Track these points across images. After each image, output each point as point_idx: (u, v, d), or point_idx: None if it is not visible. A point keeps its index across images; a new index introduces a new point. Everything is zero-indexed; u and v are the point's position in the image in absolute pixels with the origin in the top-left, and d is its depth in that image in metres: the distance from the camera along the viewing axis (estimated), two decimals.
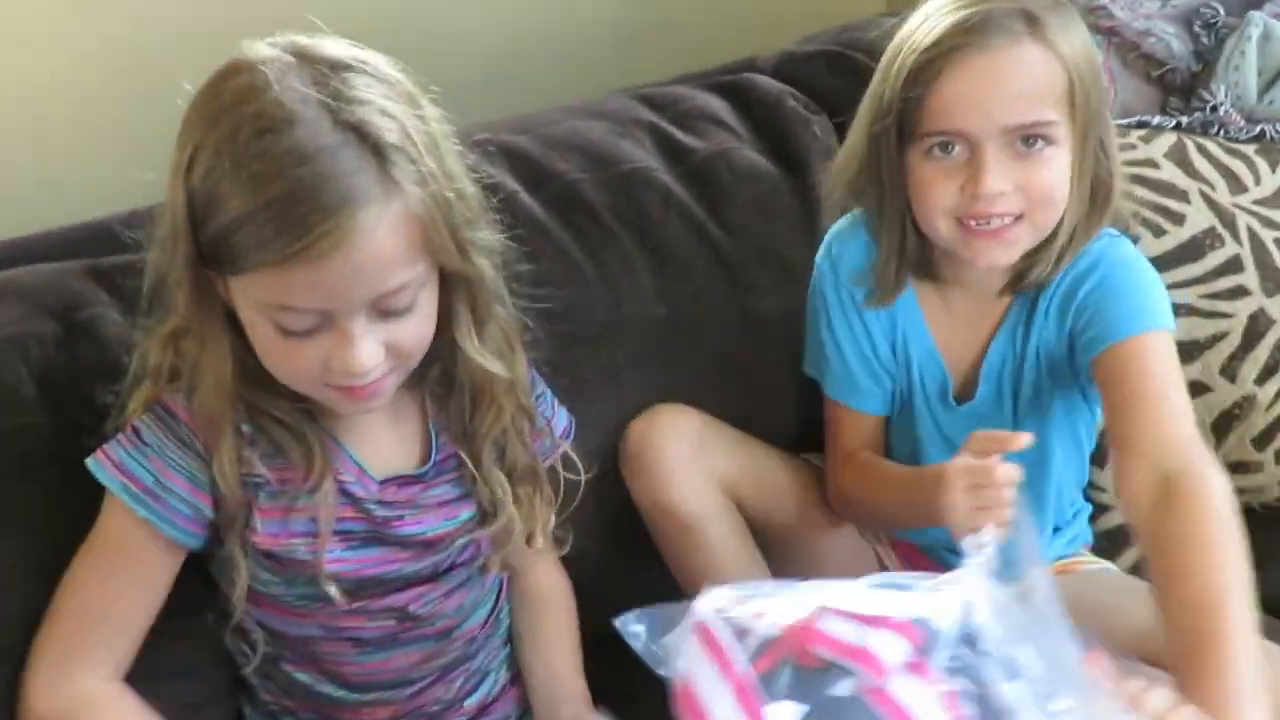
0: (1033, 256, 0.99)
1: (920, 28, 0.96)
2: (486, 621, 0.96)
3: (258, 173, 0.74)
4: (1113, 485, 1.13)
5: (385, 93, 0.79)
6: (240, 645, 0.91)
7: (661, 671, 0.69)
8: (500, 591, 0.99)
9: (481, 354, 0.86)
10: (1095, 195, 0.99)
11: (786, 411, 1.18)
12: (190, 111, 0.79)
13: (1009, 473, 0.86)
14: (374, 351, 0.79)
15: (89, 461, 0.84)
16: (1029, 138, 0.94)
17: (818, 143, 1.32)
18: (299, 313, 0.77)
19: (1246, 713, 0.75)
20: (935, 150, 0.95)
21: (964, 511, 0.86)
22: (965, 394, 1.06)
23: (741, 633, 0.68)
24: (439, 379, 0.89)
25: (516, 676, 1.00)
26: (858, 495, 1.07)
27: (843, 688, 0.66)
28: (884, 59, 1.00)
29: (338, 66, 0.78)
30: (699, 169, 1.25)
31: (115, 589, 0.84)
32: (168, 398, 0.85)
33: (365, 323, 0.78)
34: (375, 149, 0.76)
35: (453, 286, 0.84)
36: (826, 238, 1.11)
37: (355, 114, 0.76)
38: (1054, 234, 0.98)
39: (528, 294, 1.00)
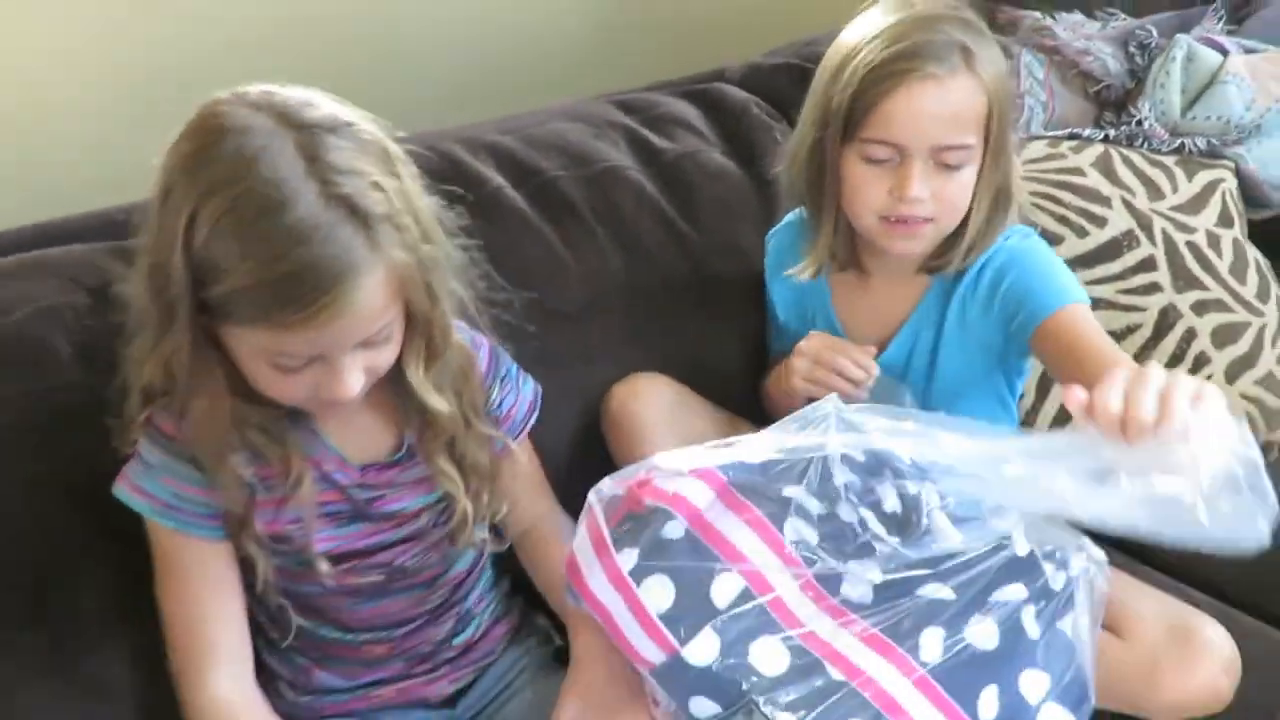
0: (944, 248, 1.13)
1: (869, 45, 1.06)
2: (471, 571, 1.06)
3: (262, 252, 0.80)
4: None
5: (366, 158, 0.84)
6: (253, 597, 0.98)
7: None
8: (483, 547, 1.08)
9: (424, 388, 0.93)
10: (998, 200, 1.11)
11: (737, 385, 1.27)
12: (174, 173, 0.82)
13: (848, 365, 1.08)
14: (358, 379, 0.87)
15: (116, 491, 0.92)
16: (949, 155, 1.06)
17: (779, 147, 1.41)
18: (294, 356, 0.85)
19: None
20: (870, 153, 1.06)
21: (801, 389, 1.10)
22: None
23: (608, 500, 0.85)
24: (398, 386, 0.95)
25: (499, 619, 1.10)
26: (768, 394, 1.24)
27: (672, 529, 0.84)
28: (829, 64, 1.10)
29: (319, 130, 0.83)
30: (669, 168, 1.35)
31: (194, 595, 0.92)
32: (157, 418, 0.91)
33: (350, 357, 0.86)
34: (364, 222, 0.82)
35: (414, 325, 0.91)
36: (771, 232, 1.26)
37: (343, 187, 0.81)
38: (962, 232, 1.11)
39: (509, 279, 1.12)
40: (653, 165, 1.35)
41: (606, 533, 0.86)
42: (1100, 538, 1.36)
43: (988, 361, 1.17)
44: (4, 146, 1.36)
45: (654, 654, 0.84)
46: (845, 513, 0.88)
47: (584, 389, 1.19)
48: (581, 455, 1.18)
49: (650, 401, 1.14)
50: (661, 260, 1.29)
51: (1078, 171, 1.45)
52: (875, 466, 0.89)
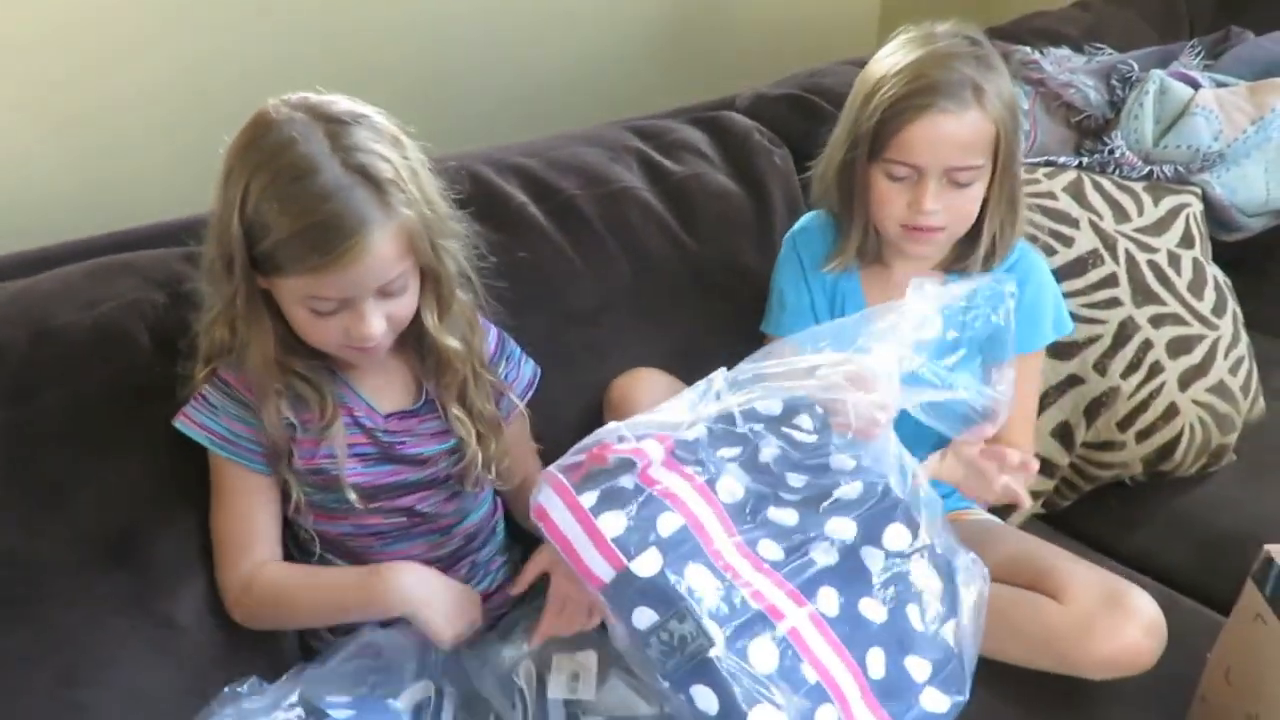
0: (963, 252, 1.30)
1: (893, 79, 1.23)
2: (483, 528, 1.23)
3: (296, 208, 1.00)
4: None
5: (378, 139, 1.04)
6: (299, 546, 1.17)
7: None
8: (494, 506, 1.26)
9: (439, 331, 1.12)
10: (1010, 209, 1.29)
11: None
12: (233, 158, 1.03)
13: None
14: (380, 323, 1.06)
15: (176, 423, 1.11)
16: (960, 175, 1.23)
17: (777, 170, 1.56)
18: (326, 300, 1.04)
19: None
20: (892, 172, 1.24)
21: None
22: None
23: (566, 468, 1.02)
24: (417, 344, 1.15)
25: (509, 579, 1.25)
26: None
27: (626, 480, 1.00)
28: (860, 93, 1.27)
29: (343, 120, 1.04)
30: (676, 188, 1.49)
31: (240, 514, 1.12)
32: (221, 369, 1.11)
33: (373, 303, 1.06)
34: (376, 185, 1.02)
35: (426, 280, 1.10)
36: (795, 227, 1.40)
37: (358, 159, 1.02)
38: (978, 238, 1.28)
39: (528, 283, 1.27)
40: (661, 185, 1.49)
41: (569, 484, 1.02)
42: (1066, 528, 1.51)
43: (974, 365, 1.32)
44: (89, 166, 1.53)
45: (606, 572, 0.99)
46: (764, 456, 1.04)
47: (591, 385, 1.34)
48: None
49: (646, 390, 1.29)
50: (666, 270, 1.43)
51: (1050, 195, 1.58)
52: (785, 415, 1.06)
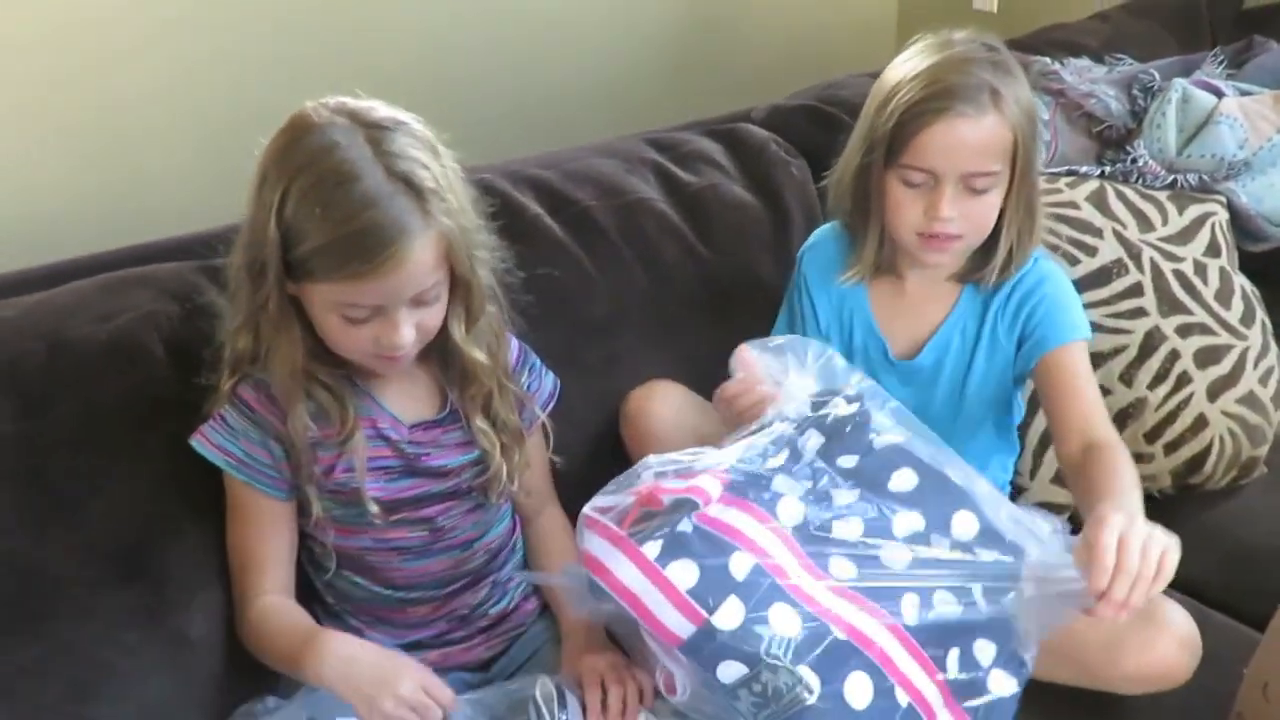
0: (979, 262, 1.27)
1: (910, 83, 1.21)
2: (504, 545, 1.22)
3: (337, 215, 0.99)
4: (1052, 449, 1.37)
5: (418, 147, 1.03)
6: (314, 563, 1.16)
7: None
8: (514, 523, 1.24)
9: (466, 343, 1.11)
10: (1027, 217, 1.26)
11: None
12: (270, 161, 1.02)
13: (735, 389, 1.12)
14: (410, 332, 1.05)
15: (193, 443, 1.09)
16: (977, 181, 1.20)
17: (794, 181, 1.55)
18: (360, 307, 1.03)
19: (1127, 511, 0.99)
20: (908, 178, 1.21)
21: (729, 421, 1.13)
22: (907, 358, 1.31)
23: (605, 509, 0.98)
24: (442, 354, 1.13)
25: (529, 596, 1.24)
26: None
27: (686, 524, 0.96)
28: (876, 98, 1.25)
29: (383, 126, 1.03)
30: (691, 199, 1.48)
31: (257, 535, 1.11)
32: (241, 389, 1.10)
33: (406, 312, 1.04)
34: (418, 194, 1.01)
35: (456, 290, 1.08)
36: (805, 245, 1.37)
37: (401, 167, 1.01)
38: (994, 247, 1.26)
39: (543, 295, 1.26)
40: (676, 195, 1.48)
41: (623, 532, 0.97)
42: None
43: (1005, 377, 1.30)
44: (110, 181, 1.54)
45: (683, 628, 0.94)
46: (807, 451, 1.02)
47: (607, 394, 1.33)
48: (604, 455, 1.31)
49: (663, 403, 1.28)
50: (681, 280, 1.42)
51: (1072, 205, 1.56)
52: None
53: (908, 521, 1.00)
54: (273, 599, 1.10)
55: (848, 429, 1.04)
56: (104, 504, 1.09)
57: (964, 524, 1.01)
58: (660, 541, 0.96)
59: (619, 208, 1.44)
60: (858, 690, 0.93)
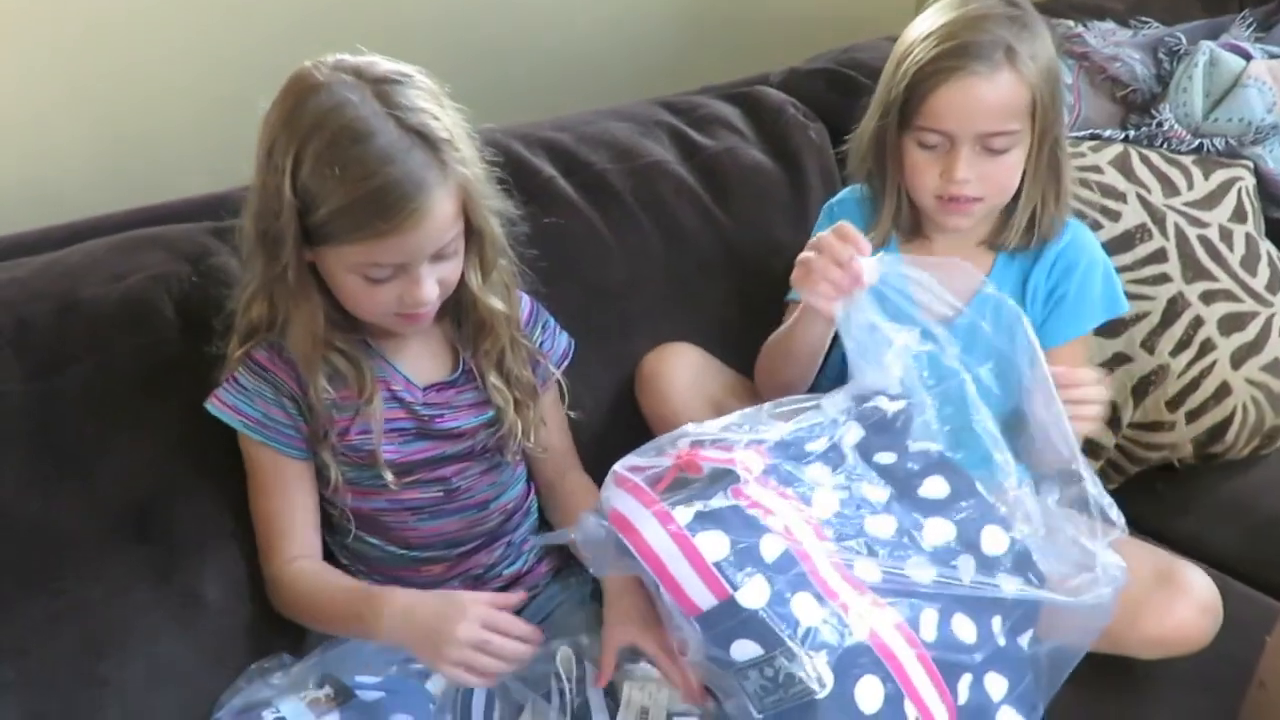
0: (1001, 224, 1.25)
1: (923, 43, 1.18)
2: (520, 506, 1.21)
3: (357, 173, 0.97)
4: None
5: (426, 98, 1.02)
6: (331, 528, 1.15)
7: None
8: (529, 486, 1.23)
9: (484, 292, 1.10)
10: (1052, 178, 1.23)
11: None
12: (278, 125, 1.00)
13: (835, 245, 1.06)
14: (434, 287, 1.04)
15: (208, 406, 1.08)
16: (994, 141, 1.17)
17: (812, 145, 1.53)
18: (382, 267, 1.02)
19: None
20: (924, 140, 1.19)
21: (799, 279, 1.09)
22: None
23: (637, 469, 0.97)
24: (455, 312, 1.13)
25: (542, 558, 1.23)
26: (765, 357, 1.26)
27: (721, 498, 0.95)
28: (891, 63, 1.23)
29: (389, 80, 1.01)
30: (708, 162, 1.46)
31: (280, 499, 1.10)
32: (254, 351, 1.09)
33: (428, 267, 1.03)
34: (433, 145, 1.00)
35: (470, 240, 1.07)
36: (833, 199, 1.35)
37: (413, 120, 0.99)
38: (1014, 209, 1.23)
39: (558, 257, 1.25)
40: (693, 159, 1.46)
41: (655, 494, 0.96)
42: None
43: None
44: (118, 141, 1.53)
45: (705, 599, 0.93)
46: (846, 444, 1.01)
47: (622, 357, 1.32)
48: (619, 418, 1.30)
49: (677, 365, 1.27)
50: (697, 245, 1.41)
51: (1095, 169, 1.53)
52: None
53: (938, 530, 0.98)
54: (307, 563, 1.10)
55: (892, 425, 1.02)
56: (114, 464, 1.09)
57: (994, 541, 0.99)
58: (692, 510, 0.94)
59: (634, 170, 1.42)
60: (868, 694, 0.91)
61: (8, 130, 1.45)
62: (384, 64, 1.04)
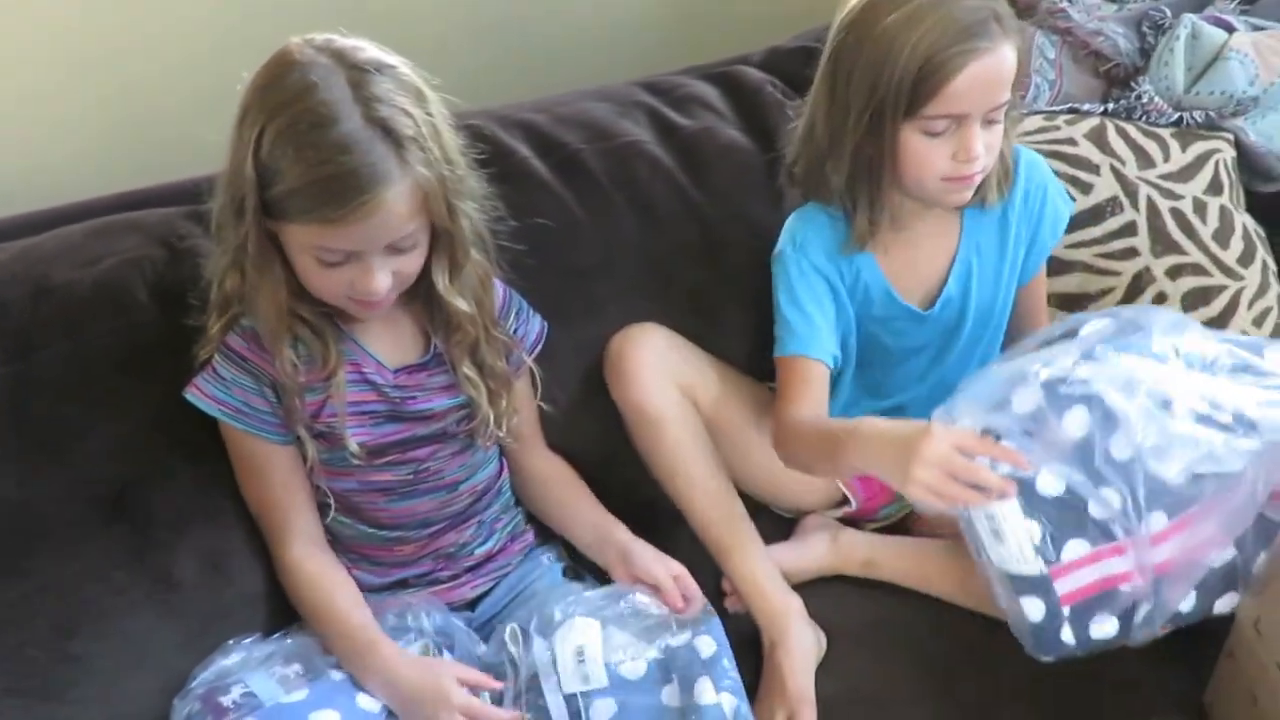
0: (982, 186, 1.24)
1: (917, 36, 1.12)
2: (490, 487, 1.22)
3: (312, 157, 0.97)
4: None
5: (402, 92, 1.01)
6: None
7: None
8: (501, 465, 1.24)
9: (449, 292, 1.10)
10: (1012, 123, 1.24)
11: (740, 343, 1.38)
12: (251, 99, 1.01)
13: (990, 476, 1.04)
14: (386, 279, 1.04)
15: (187, 396, 1.10)
16: (996, 112, 1.17)
17: (789, 122, 1.50)
18: (333, 251, 1.02)
19: None
20: (930, 128, 1.15)
21: (921, 502, 1.04)
22: (930, 304, 1.29)
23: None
24: (427, 298, 1.12)
25: (516, 537, 1.25)
26: (798, 450, 1.22)
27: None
28: (874, 53, 1.14)
29: (366, 69, 1.01)
30: (685, 142, 1.45)
31: (270, 484, 1.12)
32: (230, 339, 1.09)
33: (381, 259, 1.03)
34: (396, 141, 0.99)
35: (439, 240, 1.07)
36: (787, 231, 1.28)
37: (380, 112, 0.99)
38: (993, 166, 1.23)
39: (530, 239, 1.25)
40: (670, 139, 1.45)
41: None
42: None
43: (1009, 297, 1.31)
44: (100, 128, 1.54)
45: None
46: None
47: (597, 339, 1.31)
48: (591, 399, 1.30)
49: (644, 346, 1.27)
50: (672, 225, 1.40)
51: (1069, 142, 1.52)
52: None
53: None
54: (314, 566, 1.11)
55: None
56: (89, 446, 1.11)
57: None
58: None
59: (609, 151, 1.41)
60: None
61: (5, 113, 1.45)
62: (369, 51, 1.03)
